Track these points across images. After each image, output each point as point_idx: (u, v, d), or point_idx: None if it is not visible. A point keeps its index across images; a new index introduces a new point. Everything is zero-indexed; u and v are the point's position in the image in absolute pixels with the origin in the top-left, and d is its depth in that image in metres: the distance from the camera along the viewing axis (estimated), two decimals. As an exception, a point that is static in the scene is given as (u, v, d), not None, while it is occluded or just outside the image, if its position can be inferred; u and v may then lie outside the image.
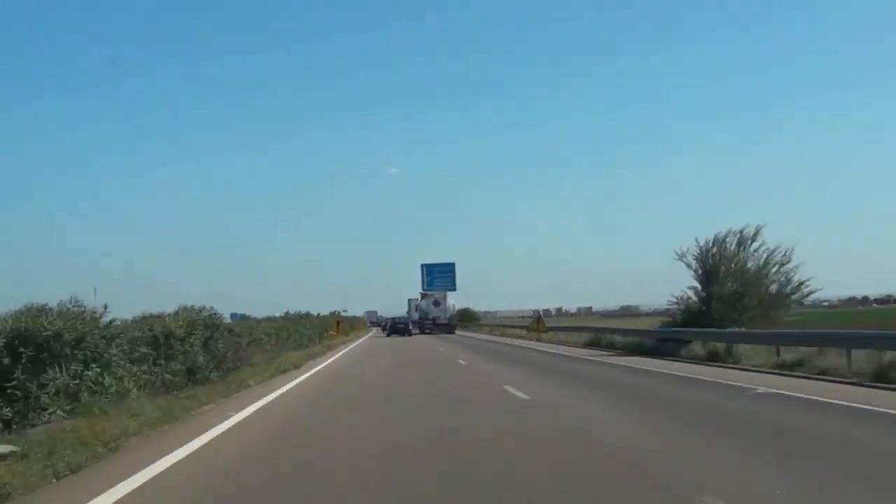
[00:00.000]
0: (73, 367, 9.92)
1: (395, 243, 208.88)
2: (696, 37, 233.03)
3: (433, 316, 68.89)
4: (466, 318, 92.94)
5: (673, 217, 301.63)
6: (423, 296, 74.44)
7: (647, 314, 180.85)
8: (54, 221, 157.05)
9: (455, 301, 74.00)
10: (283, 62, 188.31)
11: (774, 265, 26.82)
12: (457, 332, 66.95)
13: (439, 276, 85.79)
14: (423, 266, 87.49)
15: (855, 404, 11.11)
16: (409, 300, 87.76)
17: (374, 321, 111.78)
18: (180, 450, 8.06)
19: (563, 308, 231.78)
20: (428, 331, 65.61)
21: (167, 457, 7.63)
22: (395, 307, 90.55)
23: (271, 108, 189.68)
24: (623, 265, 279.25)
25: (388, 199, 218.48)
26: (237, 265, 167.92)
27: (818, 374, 15.87)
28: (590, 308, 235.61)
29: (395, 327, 64.47)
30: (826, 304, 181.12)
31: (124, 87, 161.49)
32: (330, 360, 27.41)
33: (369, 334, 69.70)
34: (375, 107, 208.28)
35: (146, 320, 14.28)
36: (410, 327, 64.70)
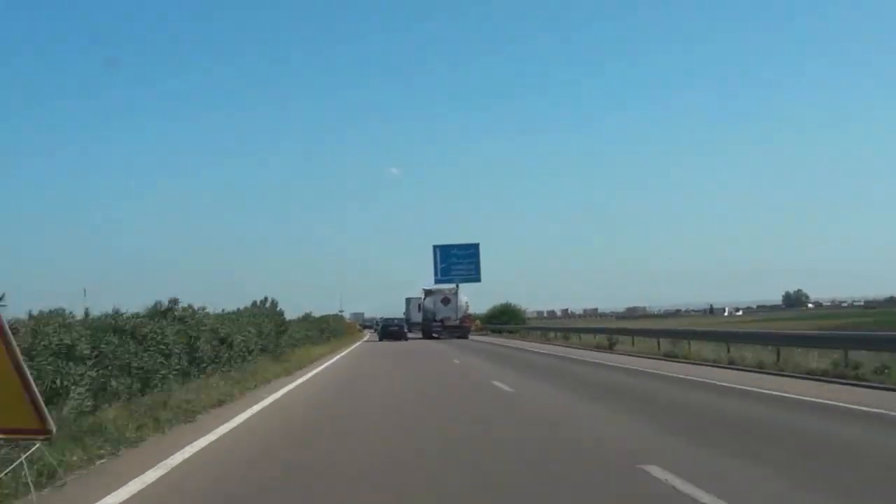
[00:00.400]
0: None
1: (394, 245, 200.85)
2: (720, 38, 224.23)
3: (441, 316, 56.37)
4: (504, 318, 72.03)
5: (676, 219, 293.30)
6: (428, 292, 60.38)
7: (659, 315, 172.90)
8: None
9: (468, 298, 60.48)
10: (273, 72, 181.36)
11: None
12: (496, 342, 52.44)
13: (458, 261, 67.88)
14: (436, 249, 69.06)
15: None
16: (408, 299, 72.85)
17: (364, 323, 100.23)
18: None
19: (569, 309, 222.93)
20: (436, 335, 54.53)
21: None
22: (395, 309, 76.08)
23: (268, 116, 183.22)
24: (625, 266, 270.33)
25: (390, 200, 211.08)
26: (233, 267, 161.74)
27: None
28: (595, 309, 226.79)
29: (388, 330, 54.38)
30: (845, 304, 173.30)
31: (126, 94, 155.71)
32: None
33: (362, 340, 55.73)
34: (376, 110, 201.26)
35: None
36: (406, 330, 55.58)
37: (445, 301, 57.41)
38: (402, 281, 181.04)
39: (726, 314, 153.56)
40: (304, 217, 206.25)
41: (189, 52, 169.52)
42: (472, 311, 61.89)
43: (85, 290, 12.06)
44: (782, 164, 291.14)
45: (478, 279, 69.54)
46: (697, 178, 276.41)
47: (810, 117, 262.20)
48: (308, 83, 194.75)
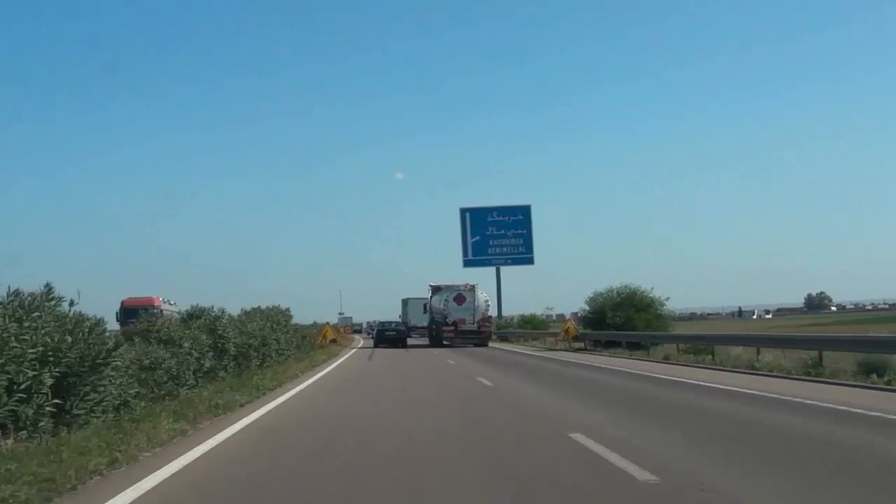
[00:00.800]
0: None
1: (395, 249, 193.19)
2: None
3: (454, 319, 44.30)
4: (621, 316, 35.55)
5: (678, 219, 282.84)
6: (436, 289, 47.75)
7: (678, 318, 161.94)
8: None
9: (488, 297, 47.64)
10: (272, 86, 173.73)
11: None
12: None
13: (499, 232, 48.56)
14: (464, 214, 50.72)
15: None
16: (405, 300, 59.85)
17: (354, 328, 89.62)
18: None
19: (579, 313, 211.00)
20: (447, 342, 43.35)
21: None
22: (394, 313, 63.35)
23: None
24: (629, 268, 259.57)
25: (394, 205, 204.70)
26: (234, 270, 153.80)
27: None
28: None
29: (385, 335, 45.94)
30: (869, 307, 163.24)
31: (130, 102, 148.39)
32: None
33: (354, 349, 42.71)
34: (382, 116, 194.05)
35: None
36: (405, 334, 48.43)
37: (459, 300, 45.29)
38: (403, 285, 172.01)
39: (755, 317, 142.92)
40: (307, 221, 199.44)
41: (196, 59, 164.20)
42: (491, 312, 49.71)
43: (79, 292, 11.20)
44: (796, 166, 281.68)
45: (529, 260, 50.69)
46: (709, 179, 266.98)
47: (833, 120, 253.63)
48: (287, 92, 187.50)
